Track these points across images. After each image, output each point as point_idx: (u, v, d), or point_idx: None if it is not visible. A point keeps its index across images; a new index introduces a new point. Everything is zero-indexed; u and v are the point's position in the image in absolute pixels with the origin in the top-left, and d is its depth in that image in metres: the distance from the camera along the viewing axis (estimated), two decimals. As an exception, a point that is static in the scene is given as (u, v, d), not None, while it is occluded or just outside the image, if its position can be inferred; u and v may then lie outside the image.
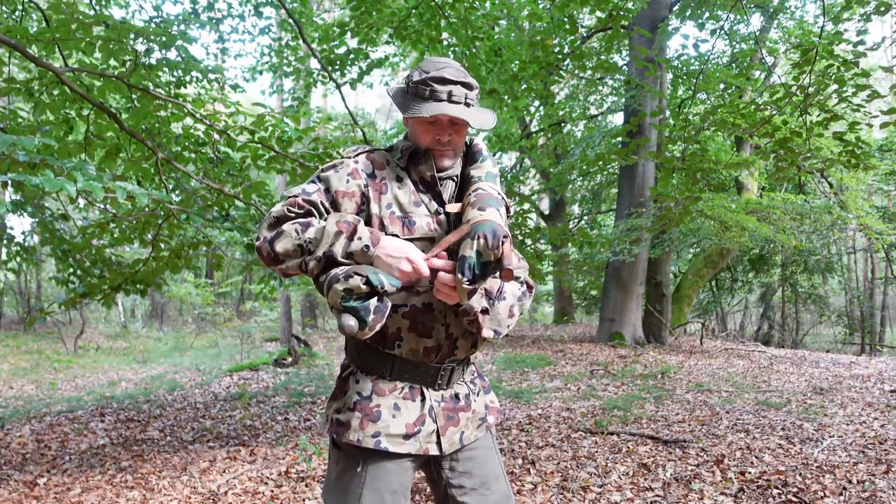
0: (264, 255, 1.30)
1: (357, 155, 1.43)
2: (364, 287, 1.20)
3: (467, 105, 1.36)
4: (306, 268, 1.28)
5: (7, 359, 11.19)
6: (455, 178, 1.46)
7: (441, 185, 1.43)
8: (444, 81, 1.34)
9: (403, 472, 1.41)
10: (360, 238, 1.26)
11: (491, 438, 1.54)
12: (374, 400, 1.39)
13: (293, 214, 1.32)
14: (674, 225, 6.49)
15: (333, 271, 1.25)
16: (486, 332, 1.32)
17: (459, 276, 1.22)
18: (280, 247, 1.27)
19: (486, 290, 1.30)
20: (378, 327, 1.24)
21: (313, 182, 1.39)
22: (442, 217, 1.40)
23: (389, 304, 1.26)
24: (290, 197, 1.35)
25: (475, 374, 1.57)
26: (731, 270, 13.71)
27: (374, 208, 1.37)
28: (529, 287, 1.45)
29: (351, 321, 1.20)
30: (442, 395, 1.44)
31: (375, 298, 1.22)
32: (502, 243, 1.22)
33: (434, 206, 1.40)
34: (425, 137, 1.38)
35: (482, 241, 1.21)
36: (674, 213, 5.87)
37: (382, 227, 1.35)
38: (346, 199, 1.36)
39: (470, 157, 1.48)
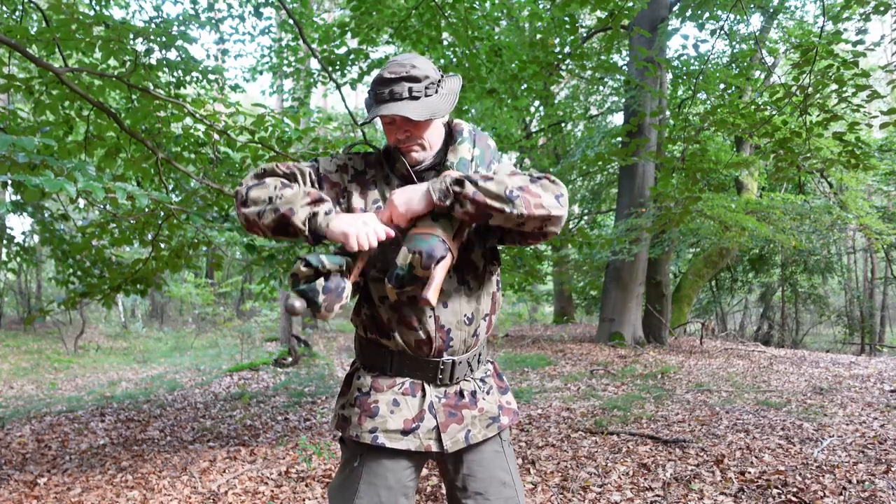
0: (238, 198, 1.34)
1: (352, 153, 1.49)
2: (304, 269, 1.21)
3: (414, 98, 1.32)
4: (262, 216, 1.29)
5: (7, 359, 11.19)
6: (438, 167, 1.43)
7: (421, 178, 1.42)
8: (383, 82, 1.33)
9: (401, 469, 1.40)
10: (325, 206, 1.28)
11: (501, 442, 1.49)
12: (372, 395, 1.41)
13: (280, 172, 1.38)
14: (674, 225, 6.50)
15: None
16: (494, 205, 1.22)
17: (387, 281, 1.28)
18: (254, 193, 1.32)
19: (461, 176, 1.26)
20: (337, 307, 1.24)
21: (311, 162, 1.45)
22: None
23: (343, 283, 1.24)
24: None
25: (489, 373, 1.53)
26: (731, 270, 13.71)
27: (358, 203, 1.40)
28: (544, 176, 1.32)
29: (297, 303, 1.21)
30: (445, 391, 1.43)
31: (322, 279, 1.22)
32: (435, 265, 1.24)
33: None
34: (389, 137, 1.40)
35: (416, 257, 1.23)
36: (674, 213, 5.88)
37: None
38: (327, 183, 1.41)
39: (451, 138, 1.45)
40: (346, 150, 1.50)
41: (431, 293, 1.26)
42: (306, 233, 1.27)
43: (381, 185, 1.43)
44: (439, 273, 1.26)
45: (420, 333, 1.37)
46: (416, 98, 1.32)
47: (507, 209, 1.23)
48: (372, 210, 1.39)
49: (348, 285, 1.25)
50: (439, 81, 1.37)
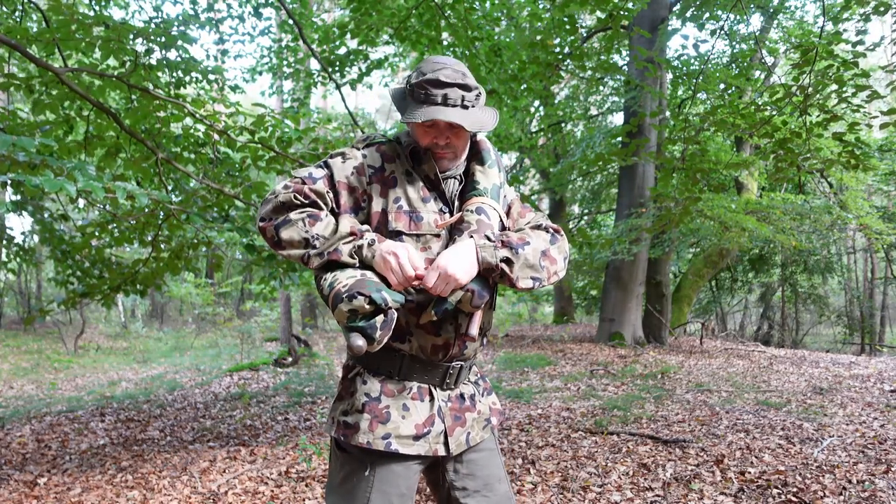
0: (268, 238, 1.34)
1: (366, 146, 1.43)
2: (368, 307, 1.20)
3: (465, 107, 1.33)
4: (307, 261, 1.31)
5: (7, 359, 11.19)
6: (458, 177, 1.45)
7: (444, 183, 1.42)
8: (439, 84, 1.31)
9: (411, 474, 1.39)
10: (367, 237, 1.30)
11: (494, 440, 1.53)
12: (383, 401, 1.37)
13: (299, 203, 1.33)
14: (674, 225, 6.49)
15: (337, 287, 1.24)
16: (525, 283, 1.31)
17: (432, 311, 1.29)
18: (286, 234, 1.30)
19: (504, 240, 1.32)
20: (386, 339, 1.24)
21: (320, 167, 1.39)
22: (447, 216, 1.40)
23: (395, 315, 1.24)
24: (296, 179, 1.35)
25: (478, 375, 1.56)
26: (731, 270, 13.71)
27: (378, 204, 1.36)
28: (556, 231, 1.43)
29: (359, 340, 1.20)
30: (448, 395, 1.43)
31: (381, 315, 1.21)
32: (482, 305, 1.30)
33: (439, 204, 1.40)
34: (424, 139, 1.37)
35: (468, 295, 1.28)
36: (674, 214, 5.88)
37: (386, 222, 1.36)
38: (345, 191, 1.36)
39: (476, 154, 1.46)
40: (362, 142, 1.45)
41: (475, 329, 1.33)
42: (356, 265, 1.30)
43: (402, 184, 1.38)
44: (480, 313, 1.34)
45: (439, 339, 1.37)
46: (467, 108, 1.33)
47: (535, 284, 1.33)
48: (393, 209, 1.36)
49: (395, 315, 1.26)
50: (480, 93, 1.39)
